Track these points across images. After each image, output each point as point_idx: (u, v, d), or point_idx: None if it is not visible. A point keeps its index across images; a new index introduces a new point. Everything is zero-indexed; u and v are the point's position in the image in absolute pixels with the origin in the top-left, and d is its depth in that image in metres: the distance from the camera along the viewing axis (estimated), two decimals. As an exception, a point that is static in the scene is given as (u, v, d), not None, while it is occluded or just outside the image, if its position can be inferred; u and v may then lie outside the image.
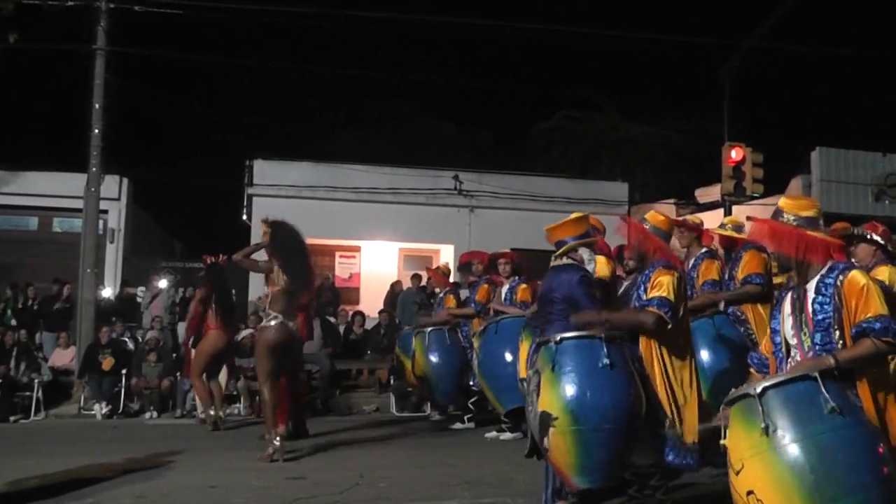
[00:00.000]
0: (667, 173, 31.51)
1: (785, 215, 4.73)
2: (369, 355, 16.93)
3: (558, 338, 5.87)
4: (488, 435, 11.13)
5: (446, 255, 22.88)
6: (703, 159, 25.75)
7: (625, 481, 6.19)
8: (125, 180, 22.62)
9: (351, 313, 18.59)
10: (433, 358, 12.15)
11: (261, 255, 10.55)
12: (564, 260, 6.73)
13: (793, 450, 4.00)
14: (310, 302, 12.46)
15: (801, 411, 4.06)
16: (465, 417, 12.20)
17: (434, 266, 16.09)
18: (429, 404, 13.98)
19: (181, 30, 27.56)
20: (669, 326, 5.99)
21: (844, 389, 4.22)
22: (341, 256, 23.47)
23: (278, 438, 9.41)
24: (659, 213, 6.90)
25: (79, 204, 18.60)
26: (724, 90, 20.91)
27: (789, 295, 4.74)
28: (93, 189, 17.88)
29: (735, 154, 19.34)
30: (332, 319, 17.73)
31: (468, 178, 23.16)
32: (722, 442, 4.30)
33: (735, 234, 8.91)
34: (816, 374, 4.13)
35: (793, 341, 4.64)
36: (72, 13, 17.85)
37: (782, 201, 4.84)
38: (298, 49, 33.61)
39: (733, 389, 4.35)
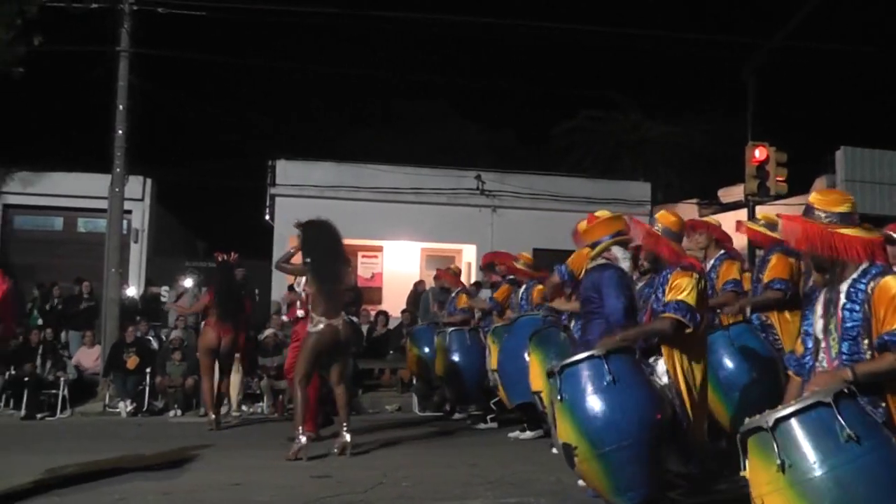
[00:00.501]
0: (689, 173, 31.36)
1: (816, 212, 4.50)
2: (391, 355, 16.98)
3: (559, 367, 5.76)
4: (511, 435, 11.15)
5: (468, 256, 22.91)
6: (725, 159, 25.62)
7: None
8: (149, 181, 22.74)
9: (374, 313, 18.63)
10: (454, 358, 12.18)
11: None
12: (599, 260, 6.72)
13: (811, 486, 3.79)
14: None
15: (816, 443, 3.83)
16: (488, 417, 12.21)
17: (447, 267, 16.11)
18: (451, 404, 13.99)
19: (204, 31, 27.67)
20: (689, 330, 5.91)
21: (862, 407, 3.99)
22: (364, 256, 23.52)
23: (305, 437, 9.46)
24: (670, 213, 6.81)
25: (103, 204, 18.72)
26: (747, 89, 20.80)
27: (822, 295, 4.54)
28: (117, 190, 17.99)
29: (759, 153, 19.23)
30: (355, 319, 17.76)
31: (490, 178, 23.16)
32: (742, 473, 4.09)
33: (767, 232, 8.60)
34: (830, 400, 3.86)
35: (822, 344, 4.45)
36: (96, 15, 17.97)
37: (813, 196, 4.62)
38: (322, 50, 33.69)
39: (748, 419, 4.10)
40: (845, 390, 3.95)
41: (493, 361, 11.22)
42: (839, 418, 3.81)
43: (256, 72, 31.58)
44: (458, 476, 8.47)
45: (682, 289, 5.93)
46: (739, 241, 10.45)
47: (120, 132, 17.81)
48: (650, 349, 6.06)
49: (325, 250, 9.84)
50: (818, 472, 3.78)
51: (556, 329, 9.15)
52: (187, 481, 8.26)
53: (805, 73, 31.76)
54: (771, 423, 3.91)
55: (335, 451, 9.49)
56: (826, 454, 3.79)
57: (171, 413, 14.47)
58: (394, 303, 20.21)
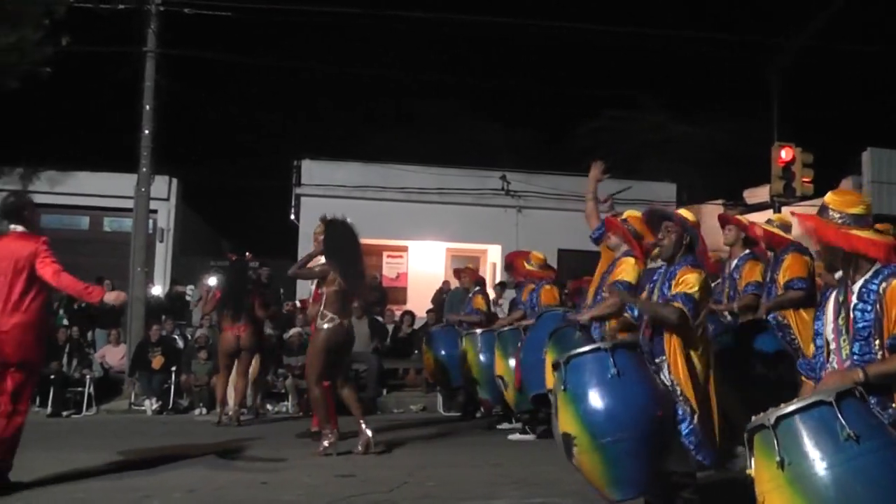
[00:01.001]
0: (714, 173, 31.21)
1: (831, 212, 4.50)
2: (416, 355, 16.96)
3: (565, 357, 5.78)
4: (511, 437, 11.27)
5: (493, 256, 22.92)
6: (750, 160, 25.50)
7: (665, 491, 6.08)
8: (174, 180, 22.87)
9: (399, 313, 18.65)
10: (483, 359, 12.14)
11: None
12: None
13: (809, 484, 3.76)
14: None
15: (816, 442, 3.81)
16: (514, 418, 12.18)
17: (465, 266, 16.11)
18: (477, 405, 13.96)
19: (230, 31, 27.77)
20: (689, 324, 5.87)
21: (869, 408, 3.95)
22: (389, 256, 23.57)
23: (333, 433, 9.54)
24: (687, 210, 6.74)
25: (129, 204, 18.83)
26: (772, 89, 20.71)
27: (834, 295, 4.53)
28: (143, 189, 18.09)
29: (785, 154, 19.16)
30: (380, 319, 17.81)
31: (515, 178, 23.16)
32: (748, 472, 4.09)
33: (780, 233, 8.56)
34: (832, 399, 3.84)
35: (833, 346, 4.44)
36: (122, 16, 18.07)
37: (828, 197, 4.61)
38: (347, 50, 33.73)
39: (753, 417, 4.08)
40: (854, 391, 3.94)
41: (498, 368, 11.35)
42: (840, 418, 3.79)
43: (282, 72, 31.68)
44: (482, 476, 8.46)
45: (689, 283, 5.89)
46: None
47: (146, 132, 17.92)
48: (656, 350, 6.03)
49: (350, 249, 9.86)
50: (816, 470, 3.77)
51: (572, 329, 9.13)
52: (213, 479, 8.27)
53: (832, 74, 31.57)
54: (773, 421, 3.91)
55: (359, 449, 9.50)
56: (825, 453, 3.77)
57: (197, 411, 14.52)
58: (419, 303, 20.21)
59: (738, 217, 9.73)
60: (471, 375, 12.45)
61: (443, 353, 13.48)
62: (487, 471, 8.73)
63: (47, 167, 22.17)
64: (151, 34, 18.02)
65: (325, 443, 9.50)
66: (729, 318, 8.85)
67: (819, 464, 3.77)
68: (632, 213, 8.23)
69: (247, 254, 13.15)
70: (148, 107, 17.90)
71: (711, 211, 23.47)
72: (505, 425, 12.21)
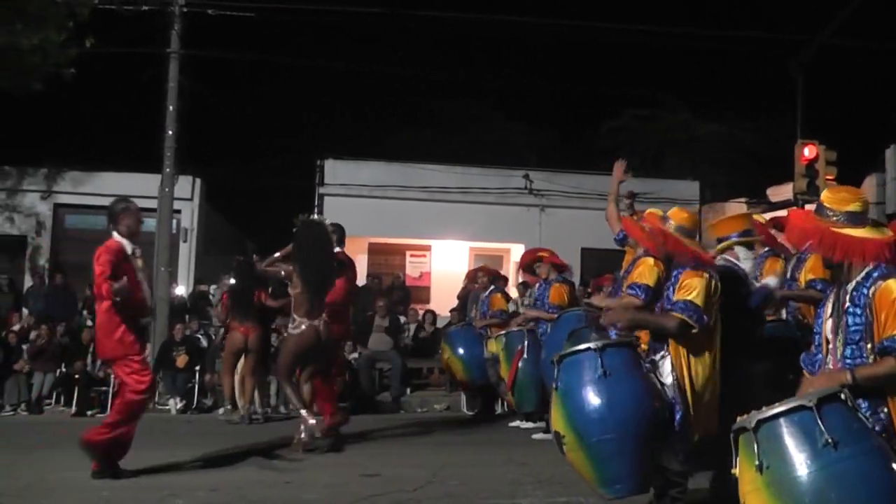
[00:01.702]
0: (737, 172, 31.08)
1: (826, 210, 4.47)
2: (440, 354, 16.94)
3: (559, 356, 5.81)
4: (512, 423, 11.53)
5: (517, 255, 22.81)
6: (773, 158, 25.36)
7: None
8: (198, 181, 22.90)
9: (422, 312, 18.64)
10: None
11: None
12: (718, 259, 6.61)
13: (785, 489, 3.80)
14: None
15: (795, 446, 3.84)
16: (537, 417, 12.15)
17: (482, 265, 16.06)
18: (500, 402, 13.93)
19: (253, 32, 27.84)
20: (695, 330, 5.78)
21: (853, 412, 3.93)
22: (412, 255, 23.58)
23: (312, 420, 9.63)
24: (683, 209, 6.62)
25: (153, 204, 18.84)
26: (795, 86, 20.59)
27: (832, 295, 4.52)
28: (167, 189, 18.17)
29: (808, 152, 19.06)
30: (403, 318, 17.81)
31: (538, 177, 23.11)
32: (733, 471, 4.11)
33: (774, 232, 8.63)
34: (813, 404, 3.84)
35: (830, 345, 4.42)
36: (146, 17, 18.14)
37: (824, 195, 4.60)
38: (369, 49, 33.72)
39: (739, 418, 4.10)
40: (840, 394, 3.93)
41: (503, 370, 11.48)
42: (819, 423, 3.81)
43: (304, 71, 31.68)
44: (507, 475, 8.44)
45: (691, 289, 5.81)
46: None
47: (170, 132, 17.99)
48: (657, 346, 5.97)
49: (315, 253, 9.79)
50: (793, 475, 3.79)
51: (588, 330, 9.08)
52: (236, 478, 8.29)
53: (855, 71, 31.40)
54: (753, 424, 3.94)
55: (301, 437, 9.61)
56: (802, 458, 3.81)
57: (220, 410, 14.52)
58: (442, 302, 20.17)
59: (756, 217, 9.73)
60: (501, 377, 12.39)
61: (461, 352, 13.43)
62: (511, 470, 8.71)
63: (71, 168, 22.28)
64: (175, 35, 18.09)
65: (305, 434, 9.59)
66: None
67: (796, 469, 3.80)
68: (653, 212, 8.16)
69: (254, 256, 13.15)
70: (171, 107, 17.97)
71: (736, 209, 23.38)
72: (517, 423, 12.15)
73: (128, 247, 8.39)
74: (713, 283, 5.96)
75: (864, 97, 33.29)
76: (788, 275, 8.44)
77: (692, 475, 6.03)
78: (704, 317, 5.78)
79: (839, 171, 19.18)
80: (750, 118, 31.87)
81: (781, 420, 3.90)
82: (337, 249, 10.65)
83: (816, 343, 4.56)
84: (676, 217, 6.35)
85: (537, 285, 11.80)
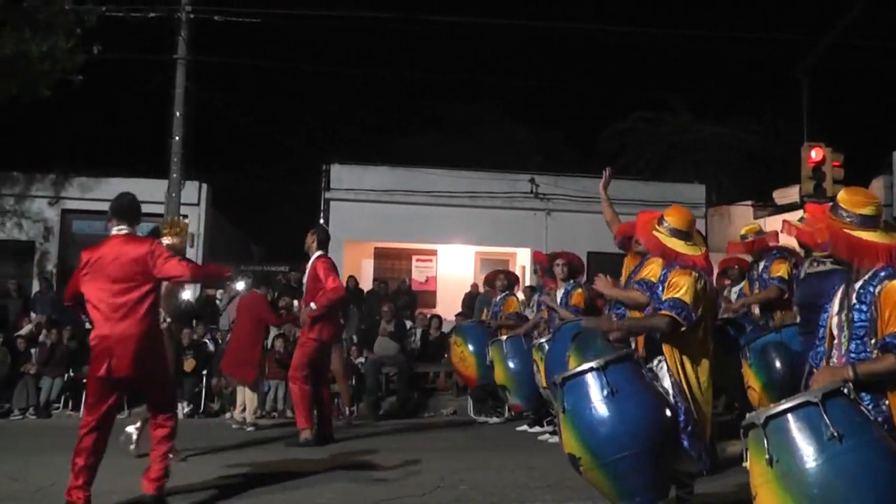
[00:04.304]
0: (743, 174, 31.10)
1: (840, 210, 4.61)
2: (446, 358, 16.95)
3: (561, 378, 5.77)
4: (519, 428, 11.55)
5: (523, 259, 22.88)
6: (779, 160, 25.37)
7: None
8: (204, 186, 22.93)
9: (429, 316, 18.66)
10: (511, 365, 12.09)
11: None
12: (828, 265, 6.59)
13: (794, 481, 3.97)
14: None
15: (802, 440, 4.03)
16: (545, 421, 12.15)
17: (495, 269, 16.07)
18: (507, 407, 13.92)
19: (259, 38, 27.92)
20: (684, 328, 5.80)
21: (855, 406, 4.10)
22: (418, 260, 23.59)
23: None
24: (679, 209, 6.60)
25: (160, 209, 18.92)
26: (801, 89, 20.59)
27: (840, 291, 4.64)
28: (173, 195, 18.26)
29: (815, 154, 19.05)
30: (409, 323, 17.83)
31: (544, 181, 23.13)
32: (744, 464, 4.30)
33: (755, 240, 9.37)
34: (818, 399, 4.03)
35: (836, 340, 4.57)
36: (153, 24, 18.22)
37: (840, 194, 4.71)
38: (375, 53, 33.85)
39: (748, 414, 4.33)
40: (842, 389, 4.12)
41: (498, 377, 11.76)
42: (825, 417, 3.99)
43: (309, 77, 31.85)
44: (515, 479, 8.44)
45: (679, 287, 5.84)
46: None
47: (177, 138, 18.09)
48: (652, 352, 5.99)
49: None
50: (801, 468, 3.98)
51: (593, 333, 9.10)
52: (246, 481, 8.30)
53: (862, 73, 31.39)
54: (762, 420, 4.14)
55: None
56: (810, 451, 3.99)
57: (228, 415, 14.56)
58: (448, 306, 20.22)
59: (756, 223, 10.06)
60: (501, 383, 12.40)
61: (471, 348, 13.38)
62: (521, 474, 8.71)
63: (79, 173, 22.33)
64: (181, 42, 18.19)
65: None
66: (757, 311, 9.45)
67: (804, 462, 3.99)
68: (645, 213, 8.16)
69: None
70: (178, 113, 18.06)
71: (742, 212, 23.39)
72: (536, 428, 12.17)
73: None
74: (701, 282, 5.99)
75: (871, 99, 33.32)
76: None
77: (703, 475, 6.05)
78: (692, 314, 5.80)
79: (846, 173, 19.16)
80: (756, 121, 31.89)
81: (789, 416, 4.10)
82: (319, 253, 11.08)
83: (820, 336, 4.71)
84: (671, 218, 6.31)
85: (561, 289, 11.72)
